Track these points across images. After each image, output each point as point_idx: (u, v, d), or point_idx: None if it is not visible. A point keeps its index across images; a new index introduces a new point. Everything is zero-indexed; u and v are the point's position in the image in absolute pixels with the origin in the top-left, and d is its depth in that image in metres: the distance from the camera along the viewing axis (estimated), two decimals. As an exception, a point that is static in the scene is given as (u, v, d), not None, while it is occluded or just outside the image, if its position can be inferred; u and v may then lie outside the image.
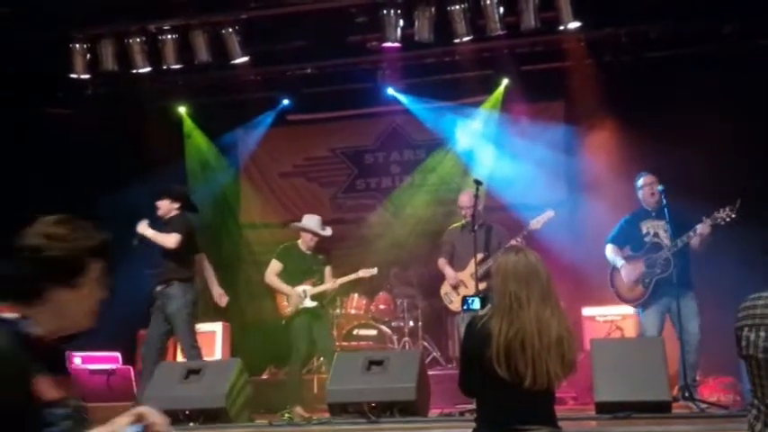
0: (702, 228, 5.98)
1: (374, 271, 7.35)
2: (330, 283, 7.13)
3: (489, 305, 3.44)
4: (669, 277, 6.07)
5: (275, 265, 7.19)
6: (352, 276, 7.27)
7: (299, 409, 6.65)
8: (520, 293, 3.21)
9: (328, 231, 7.27)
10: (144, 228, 6.66)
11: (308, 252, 7.20)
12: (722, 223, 5.95)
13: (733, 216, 5.90)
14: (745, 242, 6.54)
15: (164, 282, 6.58)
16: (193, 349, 6.56)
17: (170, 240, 6.60)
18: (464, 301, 3.53)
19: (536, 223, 6.66)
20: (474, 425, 3.44)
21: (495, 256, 6.59)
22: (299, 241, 7.22)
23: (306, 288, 7.05)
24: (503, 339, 3.15)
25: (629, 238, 6.45)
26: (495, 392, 3.19)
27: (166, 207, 6.73)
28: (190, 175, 9.64)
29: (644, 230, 6.36)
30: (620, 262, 6.39)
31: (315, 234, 7.15)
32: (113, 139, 8.85)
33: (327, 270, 7.21)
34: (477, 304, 3.48)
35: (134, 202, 7.21)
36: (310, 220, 7.25)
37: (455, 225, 7.06)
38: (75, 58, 7.93)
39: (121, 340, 6.48)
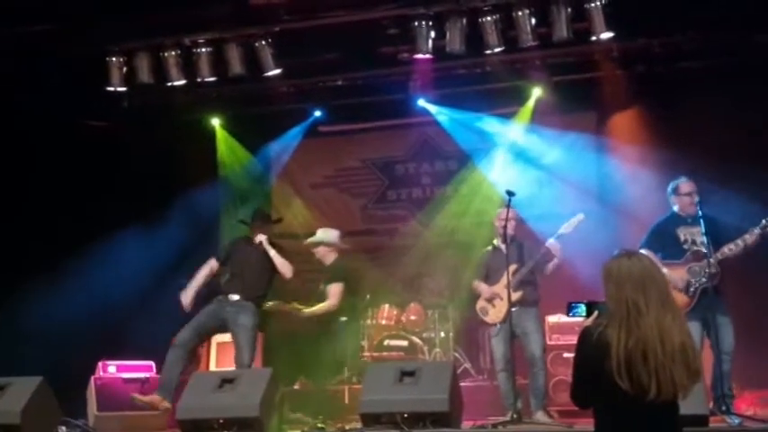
0: (750, 237, 5.89)
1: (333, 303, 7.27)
2: (307, 309, 7.30)
3: (596, 312, 3.20)
4: (707, 286, 5.96)
5: None
6: (313, 309, 7.31)
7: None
8: (638, 299, 3.02)
9: (324, 239, 7.49)
10: (267, 242, 6.70)
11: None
12: None
13: None
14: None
15: (247, 298, 6.59)
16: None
17: (289, 269, 6.70)
18: (569, 307, 3.34)
19: (567, 227, 6.59)
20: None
21: (528, 265, 6.61)
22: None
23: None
24: (622, 350, 2.96)
25: (665, 245, 6.22)
26: (616, 405, 3.01)
27: (266, 231, 6.78)
28: (233, 186, 9.71)
29: (681, 237, 6.19)
30: (663, 269, 6.16)
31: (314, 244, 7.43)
32: (149, 149, 8.98)
33: (331, 288, 7.26)
34: (583, 311, 3.29)
35: (170, 213, 7.27)
36: (320, 234, 7.53)
37: (487, 248, 6.97)
38: (112, 72, 8.06)
39: (155, 349, 6.53)
